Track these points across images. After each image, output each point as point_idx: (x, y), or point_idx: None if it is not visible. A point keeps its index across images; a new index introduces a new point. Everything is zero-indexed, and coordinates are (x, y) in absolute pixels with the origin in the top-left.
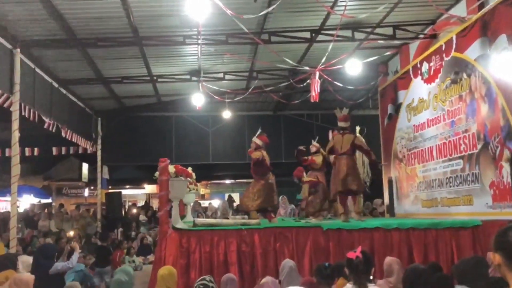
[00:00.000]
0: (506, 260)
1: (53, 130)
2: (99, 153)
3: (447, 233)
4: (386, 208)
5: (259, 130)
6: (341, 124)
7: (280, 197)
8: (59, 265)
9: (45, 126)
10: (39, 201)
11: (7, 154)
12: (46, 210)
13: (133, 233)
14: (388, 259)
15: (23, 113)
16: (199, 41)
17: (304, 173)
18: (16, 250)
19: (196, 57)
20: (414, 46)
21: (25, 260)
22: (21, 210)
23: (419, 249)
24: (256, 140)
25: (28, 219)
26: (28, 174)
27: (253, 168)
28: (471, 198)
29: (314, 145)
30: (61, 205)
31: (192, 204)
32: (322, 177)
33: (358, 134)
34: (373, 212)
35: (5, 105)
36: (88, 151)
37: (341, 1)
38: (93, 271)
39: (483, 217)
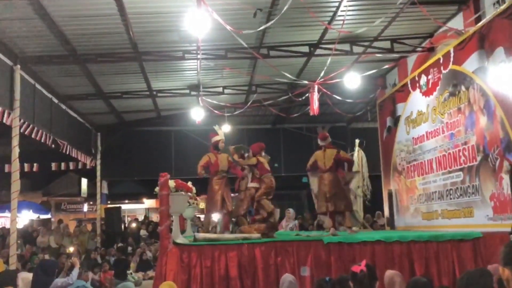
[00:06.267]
0: None
1: (57, 147)
2: (98, 168)
3: (448, 246)
4: (386, 221)
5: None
6: (320, 142)
7: (286, 210)
8: (59, 281)
9: (48, 143)
10: (38, 217)
11: (6, 170)
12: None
13: (130, 248)
14: (389, 272)
15: (22, 129)
16: (199, 56)
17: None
18: (16, 267)
19: (196, 71)
20: (412, 59)
21: (25, 277)
22: (20, 226)
23: (420, 261)
24: None
25: (27, 235)
26: (27, 190)
27: None
28: (471, 210)
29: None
30: (60, 221)
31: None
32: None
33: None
34: (373, 225)
35: (5, 121)
36: (88, 166)
37: (339, 16)
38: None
39: (484, 229)
